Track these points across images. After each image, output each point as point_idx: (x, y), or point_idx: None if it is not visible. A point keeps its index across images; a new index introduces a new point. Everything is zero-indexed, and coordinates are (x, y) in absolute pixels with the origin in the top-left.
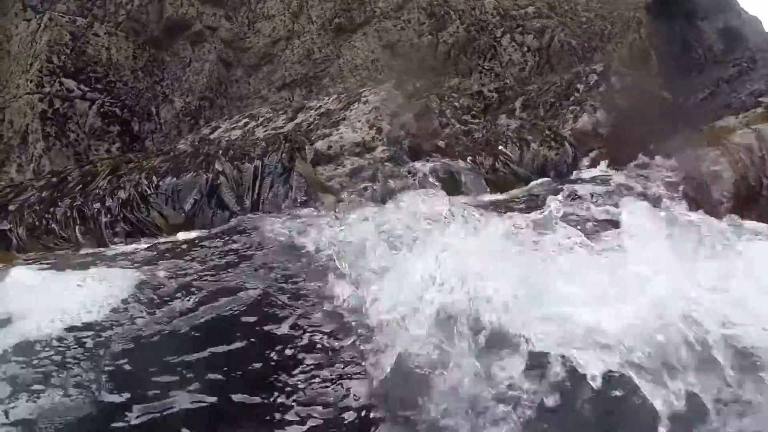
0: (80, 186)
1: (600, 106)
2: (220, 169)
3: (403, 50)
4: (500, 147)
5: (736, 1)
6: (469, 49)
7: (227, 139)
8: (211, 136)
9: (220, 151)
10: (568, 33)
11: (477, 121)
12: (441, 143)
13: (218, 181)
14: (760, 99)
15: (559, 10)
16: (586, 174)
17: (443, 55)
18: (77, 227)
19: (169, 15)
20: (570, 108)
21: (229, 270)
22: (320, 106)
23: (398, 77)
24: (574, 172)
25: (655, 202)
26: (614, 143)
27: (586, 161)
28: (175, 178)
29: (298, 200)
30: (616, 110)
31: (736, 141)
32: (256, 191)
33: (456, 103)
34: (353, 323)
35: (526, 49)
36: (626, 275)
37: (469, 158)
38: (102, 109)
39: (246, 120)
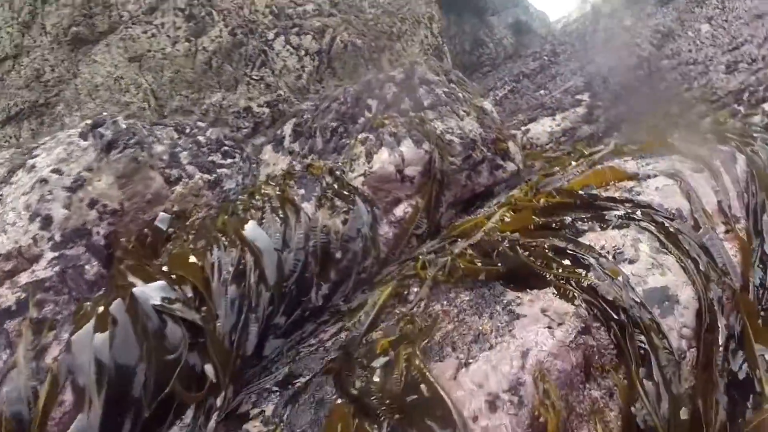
0: None
1: (406, 133)
2: None
3: (154, 62)
4: (247, 226)
5: None
6: (234, 57)
7: None
8: None
9: None
10: (353, 32)
11: (230, 161)
12: (170, 208)
13: None
14: (578, 97)
15: (342, 7)
16: None
17: (203, 65)
18: None
19: None
20: (360, 137)
21: None
22: None
23: (144, 97)
24: None
25: None
26: (429, 190)
27: (388, 226)
28: None
29: None
30: (431, 138)
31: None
32: None
33: (201, 137)
34: None
35: (303, 52)
36: None
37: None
38: None
39: None
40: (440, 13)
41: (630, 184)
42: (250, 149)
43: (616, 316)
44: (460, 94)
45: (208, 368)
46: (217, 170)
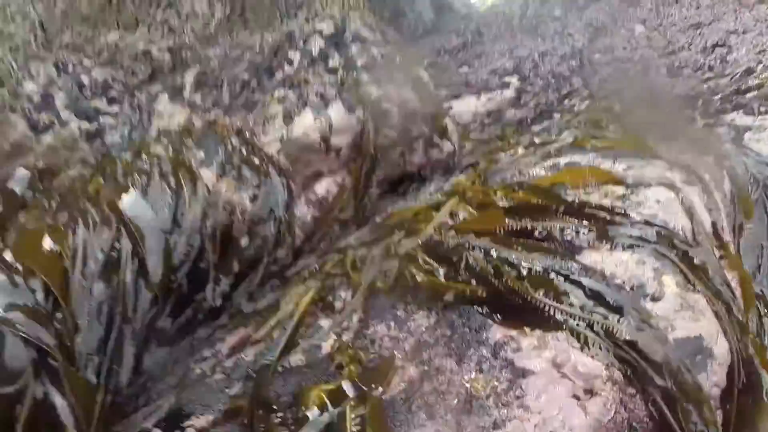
0: None
1: (335, 95)
2: None
3: None
4: (126, 197)
5: None
6: None
7: None
8: None
9: None
10: None
11: (117, 108)
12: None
13: None
14: (506, 79)
15: None
16: None
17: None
18: None
19: None
20: (277, 94)
21: None
22: None
23: (31, 29)
24: None
25: None
26: (359, 167)
27: (307, 206)
28: None
29: None
30: (366, 104)
31: None
32: None
33: (85, 77)
34: None
35: None
36: None
37: None
38: None
39: None
40: None
41: (619, 190)
42: (144, 97)
43: (660, 382)
44: (398, 58)
45: (64, 411)
46: (100, 119)
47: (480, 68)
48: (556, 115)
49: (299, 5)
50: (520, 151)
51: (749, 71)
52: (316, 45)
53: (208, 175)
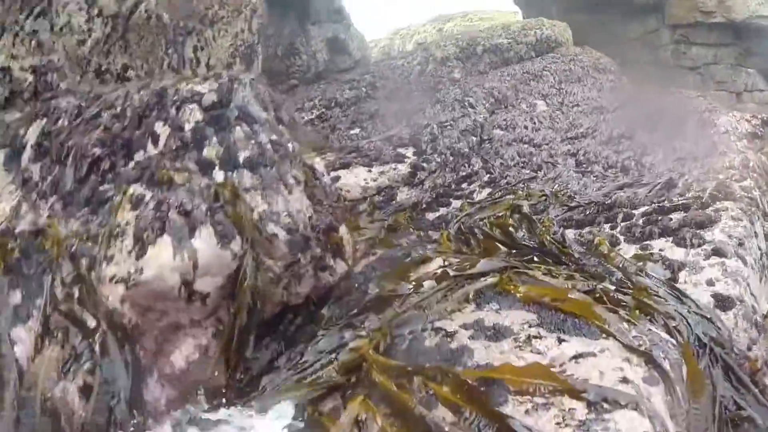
0: None
1: (206, 216)
2: None
3: None
4: None
5: (347, 13)
6: None
7: None
8: None
9: None
10: (162, 4)
11: None
12: None
13: None
14: (401, 151)
15: None
16: None
17: None
18: None
19: None
20: (131, 192)
21: None
22: None
23: None
24: None
25: None
26: (231, 324)
27: (160, 385)
28: None
29: None
30: (246, 229)
31: None
32: None
33: None
34: None
35: (96, 11)
36: None
37: None
38: None
39: None
40: (264, 8)
41: (580, 409)
42: None
43: None
44: (290, 146)
45: None
46: None
47: (373, 132)
48: (454, 202)
49: (189, 32)
50: (427, 284)
51: (671, 184)
52: (192, 118)
53: (22, 339)
